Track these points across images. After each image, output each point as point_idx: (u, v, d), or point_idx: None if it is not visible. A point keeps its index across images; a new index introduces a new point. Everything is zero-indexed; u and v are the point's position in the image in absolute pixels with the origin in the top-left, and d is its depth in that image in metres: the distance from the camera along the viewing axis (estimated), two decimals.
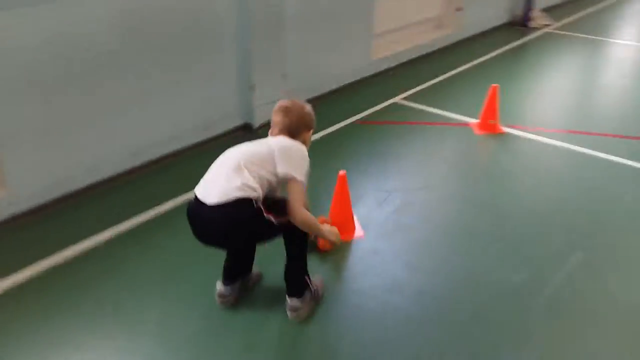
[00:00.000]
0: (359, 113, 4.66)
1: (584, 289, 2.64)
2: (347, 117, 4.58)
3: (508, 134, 4.27)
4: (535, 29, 7.45)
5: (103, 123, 3.40)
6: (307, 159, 2.33)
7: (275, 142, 2.31)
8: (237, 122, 4.32)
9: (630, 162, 3.82)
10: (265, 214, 2.16)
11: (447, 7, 6.49)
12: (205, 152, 3.99)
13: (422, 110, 4.76)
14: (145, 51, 3.48)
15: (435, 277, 2.71)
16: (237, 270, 2.54)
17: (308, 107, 2.49)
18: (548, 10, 8.12)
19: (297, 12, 4.38)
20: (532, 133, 4.29)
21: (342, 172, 2.93)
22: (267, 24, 4.12)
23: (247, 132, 4.34)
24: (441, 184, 3.61)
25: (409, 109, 4.80)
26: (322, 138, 4.19)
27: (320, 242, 2.84)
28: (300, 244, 2.38)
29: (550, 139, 4.19)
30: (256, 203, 2.14)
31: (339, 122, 4.49)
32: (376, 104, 4.85)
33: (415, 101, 4.96)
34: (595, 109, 4.96)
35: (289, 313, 2.42)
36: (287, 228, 2.25)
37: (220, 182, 2.15)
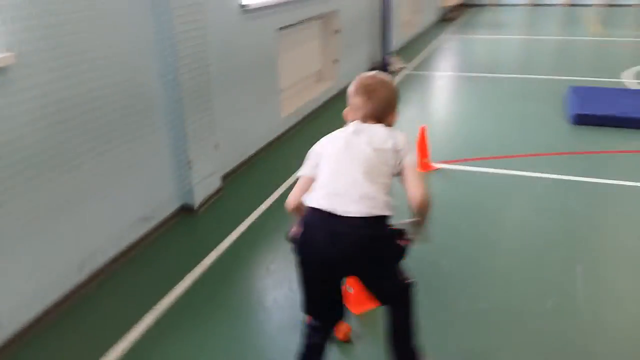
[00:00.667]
0: (295, 172, 4.52)
1: (604, 295, 2.82)
2: (285, 178, 4.40)
3: (443, 169, 4.49)
4: (395, 72, 8.11)
5: (31, 237, 2.75)
6: None
7: (394, 142, 1.95)
8: (176, 205, 3.86)
9: (563, 177, 4.27)
10: (398, 239, 1.89)
11: (325, 60, 6.72)
12: (148, 248, 3.48)
13: None
14: (66, 145, 2.86)
15: (475, 322, 2.67)
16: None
17: (393, 84, 2.12)
18: (396, 53, 8.93)
19: (216, 79, 4.13)
20: (460, 165, 4.57)
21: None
22: (197, 95, 3.79)
23: (187, 214, 3.89)
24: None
25: None
26: (271, 207, 3.97)
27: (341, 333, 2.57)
28: (412, 295, 2.06)
29: (480, 167, 4.50)
30: (389, 224, 1.87)
31: (278, 187, 4.29)
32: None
33: None
34: (492, 134, 5.47)
35: None
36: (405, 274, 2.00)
37: (353, 192, 1.83)
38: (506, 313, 2.72)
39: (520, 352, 2.46)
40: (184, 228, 3.74)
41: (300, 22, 5.79)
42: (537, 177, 4.26)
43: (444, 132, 5.62)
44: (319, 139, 2.08)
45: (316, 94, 6.29)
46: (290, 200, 2.02)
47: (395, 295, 2.03)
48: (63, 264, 2.89)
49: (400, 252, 1.91)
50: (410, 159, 1.98)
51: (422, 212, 1.92)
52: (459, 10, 14.92)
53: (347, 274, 2.02)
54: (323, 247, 1.83)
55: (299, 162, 2.01)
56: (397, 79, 7.71)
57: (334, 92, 6.79)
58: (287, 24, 5.32)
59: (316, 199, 1.87)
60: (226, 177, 4.37)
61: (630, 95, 6.07)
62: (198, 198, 3.93)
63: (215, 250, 3.40)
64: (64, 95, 2.78)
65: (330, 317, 2.09)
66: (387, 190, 1.89)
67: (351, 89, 2.10)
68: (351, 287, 2.80)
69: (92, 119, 2.99)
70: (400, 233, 1.91)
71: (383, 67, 8.10)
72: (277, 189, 4.23)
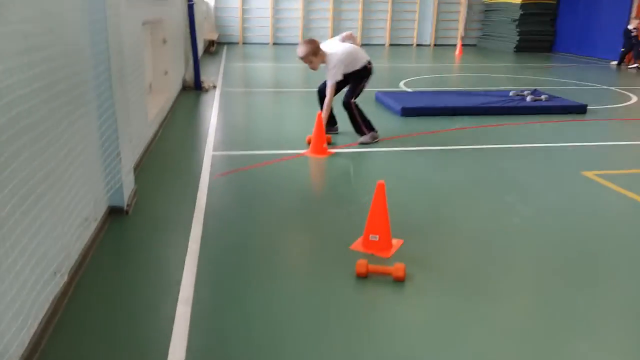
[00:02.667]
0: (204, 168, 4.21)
1: None
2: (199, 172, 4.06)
3: (338, 152, 4.78)
4: (207, 89, 8.08)
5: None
6: None
7: None
8: (105, 206, 3.20)
9: (418, 148, 4.99)
10: None
11: (156, 72, 6.33)
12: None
13: (246, 155, 4.68)
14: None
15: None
16: None
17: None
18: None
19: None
20: (346, 149, 4.93)
21: (380, 181, 2.84)
22: (121, 78, 3.27)
23: (118, 217, 3.27)
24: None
25: (232, 157, 4.63)
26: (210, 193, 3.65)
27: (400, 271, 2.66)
28: None
29: (361, 149, 4.95)
30: None
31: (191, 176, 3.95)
32: (199, 159, 4.47)
33: (228, 149, 4.82)
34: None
35: None
36: None
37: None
38: None
39: None
40: (123, 235, 3.14)
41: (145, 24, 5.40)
42: (401, 150, 4.95)
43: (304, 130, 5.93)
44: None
45: (165, 100, 5.88)
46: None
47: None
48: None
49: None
50: None
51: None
52: (216, 45, 15.50)
53: None
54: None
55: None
56: (216, 95, 7.71)
57: (173, 101, 6.45)
58: (148, 19, 4.94)
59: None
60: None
61: (436, 95, 7.46)
62: (127, 193, 3.35)
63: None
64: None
65: None
66: None
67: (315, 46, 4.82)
68: (376, 235, 2.87)
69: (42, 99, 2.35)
70: None
71: (197, 85, 7.99)
72: (193, 179, 3.91)
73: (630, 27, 13.22)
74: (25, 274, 1.97)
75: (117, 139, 3.18)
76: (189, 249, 2.89)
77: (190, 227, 3.17)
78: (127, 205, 3.36)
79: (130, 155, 3.52)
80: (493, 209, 3.59)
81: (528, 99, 7.01)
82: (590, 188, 4.00)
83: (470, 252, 2.95)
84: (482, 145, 5.15)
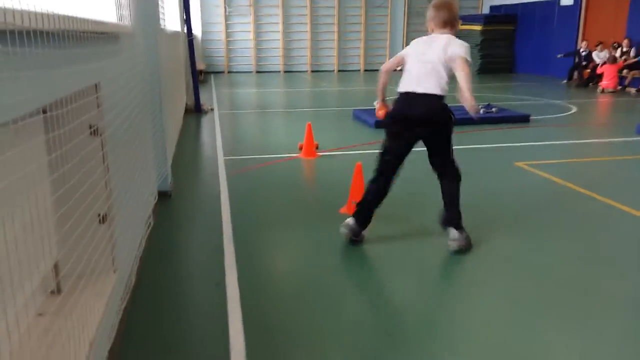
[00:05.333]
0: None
1: None
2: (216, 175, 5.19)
3: (325, 155, 5.95)
4: (207, 111, 9.25)
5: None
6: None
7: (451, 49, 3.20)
8: (155, 194, 4.30)
9: None
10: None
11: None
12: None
13: (251, 158, 5.82)
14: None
15: None
16: None
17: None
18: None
19: None
20: (333, 152, 6.11)
21: (358, 163, 4.01)
22: (165, 90, 4.42)
23: (165, 200, 4.37)
24: None
25: (240, 160, 5.77)
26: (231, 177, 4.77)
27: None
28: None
29: (345, 152, 6.12)
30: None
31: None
32: (214, 162, 5.59)
33: (236, 155, 5.95)
34: (334, 136, 7.17)
35: None
36: None
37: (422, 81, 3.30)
38: None
39: None
40: (170, 207, 4.25)
41: None
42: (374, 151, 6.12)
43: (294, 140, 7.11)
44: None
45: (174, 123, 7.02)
46: (384, 66, 3.50)
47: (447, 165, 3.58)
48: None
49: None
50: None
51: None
52: (204, 74, 16.72)
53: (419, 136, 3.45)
54: (406, 110, 3.30)
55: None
56: (215, 116, 8.87)
57: (180, 124, 7.58)
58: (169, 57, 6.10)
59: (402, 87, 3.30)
60: None
61: None
62: (169, 184, 4.47)
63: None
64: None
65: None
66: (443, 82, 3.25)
67: (429, 7, 3.30)
68: (356, 201, 4.02)
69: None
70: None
71: (197, 108, 9.15)
72: (213, 175, 5.03)
73: (581, 49, 14.79)
74: (138, 218, 3.08)
75: (164, 140, 4.32)
76: (222, 214, 4.01)
77: (220, 204, 4.29)
78: (170, 190, 4.47)
79: (171, 153, 4.64)
80: None
81: (481, 111, 8.33)
82: (518, 173, 5.24)
83: (422, 211, 4.12)
84: None
